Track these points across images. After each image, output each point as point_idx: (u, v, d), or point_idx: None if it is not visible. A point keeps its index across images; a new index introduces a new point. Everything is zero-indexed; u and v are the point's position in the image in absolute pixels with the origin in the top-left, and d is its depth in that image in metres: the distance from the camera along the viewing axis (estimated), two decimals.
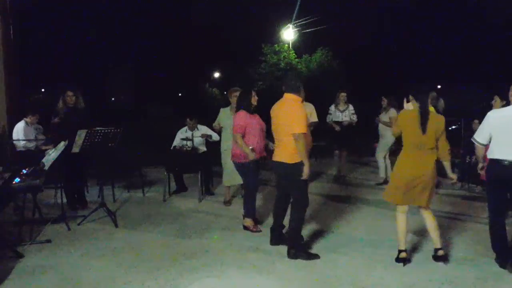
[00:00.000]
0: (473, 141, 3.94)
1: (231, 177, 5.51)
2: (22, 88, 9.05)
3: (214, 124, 5.92)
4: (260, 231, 4.65)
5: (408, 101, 3.93)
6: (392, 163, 4.85)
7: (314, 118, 6.21)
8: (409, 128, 3.74)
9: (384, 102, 7.13)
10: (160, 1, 29.34)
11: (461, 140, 7.46)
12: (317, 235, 4.64)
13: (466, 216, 5.37)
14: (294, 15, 21.66)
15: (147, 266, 3.78)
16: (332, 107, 7.44)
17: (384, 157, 7.19)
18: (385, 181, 7.05)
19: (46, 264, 3.81)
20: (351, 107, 7.35)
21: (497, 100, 5.35)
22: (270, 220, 5.12)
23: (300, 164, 3.88)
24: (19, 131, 6.74)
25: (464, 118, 7.79)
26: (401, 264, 3.79)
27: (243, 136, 4.52)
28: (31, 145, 6.79)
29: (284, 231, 4.35)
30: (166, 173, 6.38)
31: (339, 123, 7.26)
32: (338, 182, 7.45)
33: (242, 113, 4.58)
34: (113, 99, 31.76)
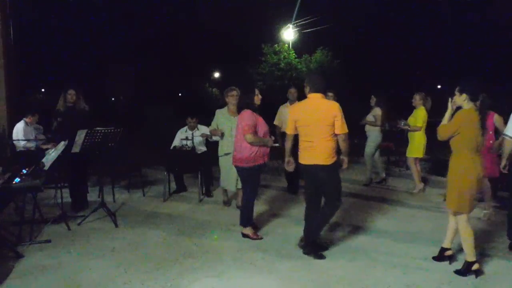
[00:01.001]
0: (504, 136, 3.96)
1: (228, 181, 5.45)
2: (22, 88, 9.05)
3: (211, 128, 5.61)
4: (261, 238, 4.47)
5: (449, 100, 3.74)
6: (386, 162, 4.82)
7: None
8: (469, 130, 3.51)
9: (373, 101, 7.09)
10: (160, 2, 29.33)
11: None
12: None
13: None
14: (294, 15, 21.67)
15: (147, 266, 3.78)
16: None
17: (372, 156, 7.16)
18: (371, 181, 7.20)
19: (46, 264, 3.81)
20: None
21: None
22: (270, 225, 5.12)
23: (337, 163, 3.86)
24: (19, 131, 6.76)
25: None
26: (400, 265, 3.77)
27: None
28: (31, 145, 6.79)
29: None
30: (166, 173, 6.38)
31: None
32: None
33: (249, 112, 4.34)
34: (113, 99, 31.77)
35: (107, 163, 6.04)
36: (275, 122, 6.45)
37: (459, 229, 3.69)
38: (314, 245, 4.03)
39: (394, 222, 5.10)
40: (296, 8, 21.15)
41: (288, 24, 22.61)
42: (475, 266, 3.59)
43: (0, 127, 7.34)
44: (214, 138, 6.35)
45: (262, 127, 4.39)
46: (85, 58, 26.89)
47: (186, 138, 6.26)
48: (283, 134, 5.74)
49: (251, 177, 4.41)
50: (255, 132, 4.28)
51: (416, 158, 6.53)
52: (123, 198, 6.27)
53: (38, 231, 4.56)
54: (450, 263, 3.83)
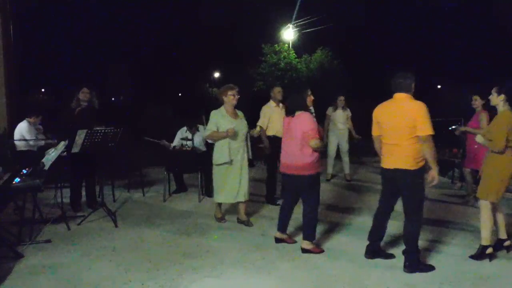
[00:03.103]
0: None
1: (231, 193, 4.85)
2: (22, 88, 9.05)
3: (210, 131, 4.81)
4: (323, 251, 4.14)
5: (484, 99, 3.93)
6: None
7: None
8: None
9: (342, 101, 7.35)
10: (160, 2, 29.35)
11: (461, 140, 7.45)
12: (317, 235, 4.63)
13: (465, 216, 5.37)
14: (294, 15, 21.69)
15: (147, 266, 3.78)
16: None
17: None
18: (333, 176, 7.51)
19: (46, 264, 3.81)
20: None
21: (477, 99, 5.48)
22: (270, 225, 5.11)
23: (423, 169, 3.60)
24: (23, 130, 6.72)
25: (465, 117, 7.78)
26: (400, 265, 3.77)
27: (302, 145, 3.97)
28: (33, 144, 6.78)
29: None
30: (166, 173, 6.38)
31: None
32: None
33: (308, 115, 4.00)
34: (113, 99, 31.77)
35: (107, 163, 6.04)
36: (260, 123, 5.83)
37: (482, 214, 3.91)
38: (417, 261, 3.72)
39: (394, 222, 5.09)
40: (296, 8, 21.17)
41: (288, 24, 22.62)
42: (489, 250, 3.81)
43: (0, 127, 7.33)
44: (210, 141, 6.27)
45: (320, 131, 4.10)
46: (85, 58, 26.89)
47: (186, 138, 6.26)
48: (274, 138, 5.58)
49: (314, 185, 4.07)
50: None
51: None
52: (123, 198, 6.27)
53: (38, 231, 4.56)
54: (507, 252, 4.03)
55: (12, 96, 7.60)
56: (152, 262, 3.86)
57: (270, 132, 5.76)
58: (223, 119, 4.79)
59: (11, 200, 4.63)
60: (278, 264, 3.85)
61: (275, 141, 5.38)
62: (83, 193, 5.67)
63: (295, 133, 4.01)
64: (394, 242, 4.36)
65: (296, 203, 4.31)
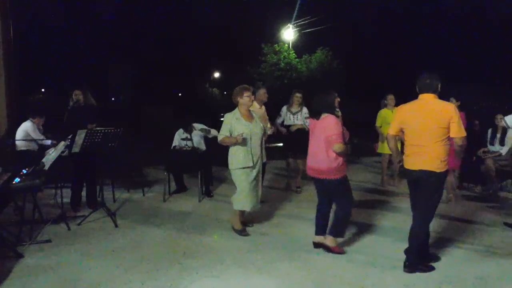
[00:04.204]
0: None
1: (257, 200, 4.62)
2: (22, 88, 9.04)
3: (223, 135, 4.50)
4: (344, 252, 4.08)
5: None
6: None
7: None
8: None
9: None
10: (160, 2, 29.34)
11: None
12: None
13: (465, 216, 5.37)
14: (294, 15, 21.71)
15: (147, 266, 3.78)
16: (284, 109, 6.53)
17: None
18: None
19: (46, 264, 3.81)
20: (305, 109, 6.34)
21: (453, 101, 5.53)
22: (270, 225, 5.11)
23: (447, 172, 3.59)
24: (29, 129, 6.70)
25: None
26: (400, 265, 3.77)
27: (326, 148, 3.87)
28: (35, 145, 6.79)
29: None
30: (166, 173, 6.38)
31: (287, 127, 6.39)
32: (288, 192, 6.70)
33: (334, 118, 3.89)
34: (113, 99, 31.78)
35: (107, 163, 6.04)
36: None
37: None
38: (417, 261, 3.71)
39: (394, 222, 5.10)
40: (296, 8, 21.18)
41: (288, 24, 22.65)
42: None
43: (1, 128, 7.33)
44: (213, 133, 6.21)
45: (346, 134, 3.98)
46: (85, 58, 26.89)
47: (186, 138, 6.26)
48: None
49: (343, 188, 3.99)
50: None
51: None
52: (123, 198, 6.27)
53: (38, 231, 4.56)
54: None
55: (12, 96, 7.60)
56: (152, 262, 3.87)
57: None
58: (238, 123, 4.49)
59: (11, 200, 4.63)
60: (278, 264, 3.85)
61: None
62: (83, 193, 5.67)
63: (319, 136, 3.92)
64: (394, 242, 4.36)
65: (332, 205, 4.19)
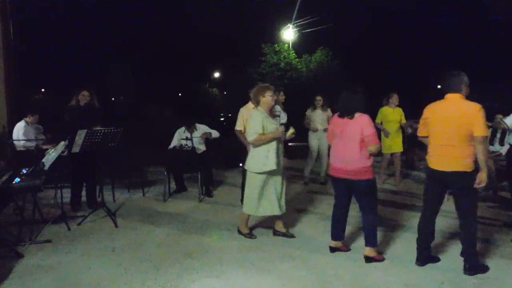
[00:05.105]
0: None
1: (280, 203, 4.44)
2: (22, 88, 9.05)
3: (257, 134, 4.18)
4: (384, 259, 3.95)
5: None
6: None
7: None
8: None
9: (319, 101, 7.13)
10: (160, 2, 29.35)
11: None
12: (317, 235, 4.64)
13: None
14: (294, 15, 21.71)
15: (147, 266, 3.78)
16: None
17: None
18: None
19: (46, 264, 3.81)
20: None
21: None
22: (270, 224, 5.11)
23: (476, 171, 3.50)
24: (20, 130, 6.77)
25: None
26: (400, 265, 3.77)
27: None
28: (31, 145, 6.79)
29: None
30: (166, 173, 6.38)
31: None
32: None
33: (369, 117, 3.79)
34: (113, 99, 31.79)
35: (107, 163, 6.04)
36: (237, 127, 5.41)
37: None
38: (478, 266, 3.67)
39: (394, 222, 5.10)
40: (296, 8, 21.18)
41: (288, 24, 22.64)
42: None
43: (0, 127, 7.34)
44: (214, 135, 6.20)
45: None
46: (85, 58, 26.89)
47: (186, 138, 6.26)
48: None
49: (373, 189, 3.88)
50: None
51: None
52: (123, 198, 6.27)
53: (38, 231, 4.56)
54: None
55: (12, 96, 7.60)
56: (152, 262, 3.87)
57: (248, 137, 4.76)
58: (267, 121, 4.26)
59: (11, 200, 4.63)
60: (278, 264, 3.85)
61: None
62: (83, 193, 5.67)
63: (353, 136, 3.75)
64: (394, 242, 4.36)
65: (348, 209, 4.10)
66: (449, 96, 3.60)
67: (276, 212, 4.40)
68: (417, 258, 3.82)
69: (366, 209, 3.88)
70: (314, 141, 7.20)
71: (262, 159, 4.23)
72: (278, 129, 4.23)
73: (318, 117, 7.15)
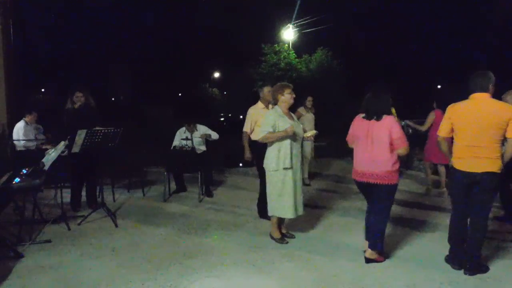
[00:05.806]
0: None
1: (299, 204, 4.30)
2: (22, 88, 9.05)
3: (265, 133, 4.14)
4: (385, 259, 3.91)
5: None
6: None
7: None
8: None
9: (310, 101, 7.05)
10: (160, 2, 29.36)
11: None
12: (317, 234, 4.65)
13: None
14: (294, 15, 21.71)
15: (147, 266, 3.78)
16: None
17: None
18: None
19: (46, 264, 3.81)
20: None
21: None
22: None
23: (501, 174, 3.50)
24: (19, 130, 6.77)
25: None
26: (400, 265, 3.77)
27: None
28: (31, 144, 6.79)
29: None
30: (166, 173, 6.38)
31: None
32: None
33: (394, 119, 3.70)
34: (113, 99, 31.79)
35: (107, 163, 6.04)
36: (245, 129, 5.24)
37: None
38: (480, 262, 3.68)
39: (393, 221, 5.10)
40: (296, 8, 21.19)
41: (288, 24, 22.65)
42: None
43: (0, 127, 7.34)
44: (214, 137, 6.24)
45: None
46: (85, 58, 26.89)
47: (186, 138, 6.26)
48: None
49: (393, 194, 3.78)
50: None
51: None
52: (123, 198, 6.27)
53: (38, 231, 4.56)
54: None
55: (12, 96, 7.60)
56: (152, 262, 3.87)
57: (256, 137, 4.74)
58: (282, 120, 4.16)
59: (11, 200, 4.63)
60: (278, 264, 3.85)
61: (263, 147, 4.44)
62: (83, 193, 5.67)
63: (381, 138, 3.64)
64: (395, 241, 4.36)
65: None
66: (477, 96, 3.51)
67: (294, 214, 4.25)
68: (453, 262, 3.75)
69: (379, 213, 3.78)
70: (307, 143, 6.78)
71: (274, 158, 4.17)
72: (290, 127, 4.09)
73: (309, 121, 6.89)
